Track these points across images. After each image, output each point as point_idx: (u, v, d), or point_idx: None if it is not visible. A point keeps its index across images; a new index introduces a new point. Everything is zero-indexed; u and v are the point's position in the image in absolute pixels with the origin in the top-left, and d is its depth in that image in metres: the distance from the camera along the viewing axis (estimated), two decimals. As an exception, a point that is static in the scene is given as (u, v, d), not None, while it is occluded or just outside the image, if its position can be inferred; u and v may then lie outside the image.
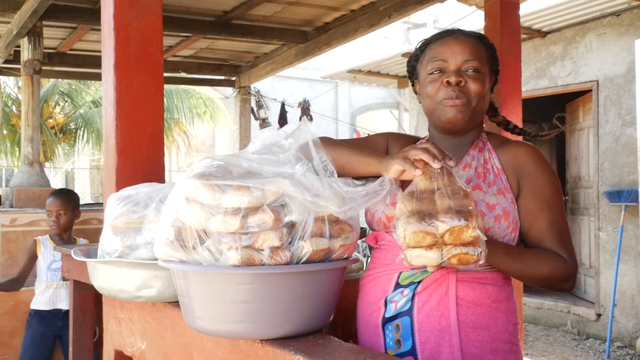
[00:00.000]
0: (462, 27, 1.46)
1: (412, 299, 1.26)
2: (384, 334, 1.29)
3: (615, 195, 5.25)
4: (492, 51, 1.38)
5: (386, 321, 1.29)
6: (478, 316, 1.25)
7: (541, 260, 1.25)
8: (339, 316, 1.36)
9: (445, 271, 1.25)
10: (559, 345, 5.51)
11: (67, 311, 3.14)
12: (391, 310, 1.29)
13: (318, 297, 1.19)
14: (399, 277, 1.30)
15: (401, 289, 1.28)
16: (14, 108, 10.51)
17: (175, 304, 1.45)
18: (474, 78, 1.30)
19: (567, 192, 6.52)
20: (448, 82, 1.30)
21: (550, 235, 1.29)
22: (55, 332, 3.29)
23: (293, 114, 8.23)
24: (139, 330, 1.68)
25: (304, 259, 1.14)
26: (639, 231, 5.13)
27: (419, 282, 1.27)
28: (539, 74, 6.09)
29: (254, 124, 7.45)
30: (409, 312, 1.26)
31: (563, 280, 1.26)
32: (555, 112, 6.57)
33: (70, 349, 2.59)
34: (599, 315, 5.57)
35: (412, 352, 1.25)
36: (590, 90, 5.70)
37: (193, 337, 1.37)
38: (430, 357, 1.23)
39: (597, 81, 5.55)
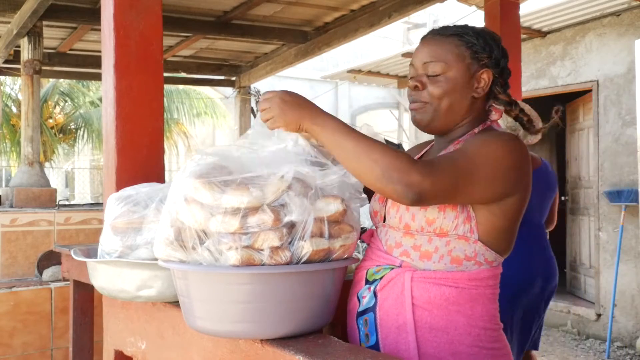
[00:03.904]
0: (458, 23, 1.44)
1: (375, 295, 1.28)
2: (358, 327, 1.32)
3: (615, 195, 5.25)
4: (474, 46, 1.34)
5: (358, 315, 1.32)
6: (434, 318, 1.24)
7: (377, 146, 1.15)
8: (339, 316, 1.36)
9: (401, 270, 1.26)
10: (559, 345, 5.51)
11: None
12: (362, 305, 1.31)
13: (318, 297, 1.19)
14: (367, 273, 1.33)
15: (368, 285, 1.31)
16: (13, 108, 10.51)
17: (175, 304, 1.45)
18: (433, 81, 1.33)
19: (567, 192, 6.52)
20: (409, 87, 1.38)
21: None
22: None
23: (293, 114, 8.21)
24: (139, 330, 1.68)
25: (304, 259, 1.14)
26: (639, 231, 5.13)
27: (380, 279, 1.29)
28: (539, 74, 6.09)
29: (254, 124, 7.43)
30: (373, 308, 1.29)
31: (400, 170, 1.11)
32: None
33: (70, 348, 2.59)
34: (599, 315, 5.56)
35: (376, 347, 1.28)
36: (590, 90, 5.70)
37: (193, 337, 1.37)
38: (389, 352, 1.25)
39: (597, 81, 5.55)
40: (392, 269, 1.28)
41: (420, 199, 1.13)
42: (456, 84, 1.33)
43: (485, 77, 1.35)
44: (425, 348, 1.23)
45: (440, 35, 1.35)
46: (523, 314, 2.63)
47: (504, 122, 2.57)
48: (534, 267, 2.64)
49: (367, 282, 1.32)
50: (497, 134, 1.29)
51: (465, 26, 1.38)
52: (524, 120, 1.45)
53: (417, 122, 1.38)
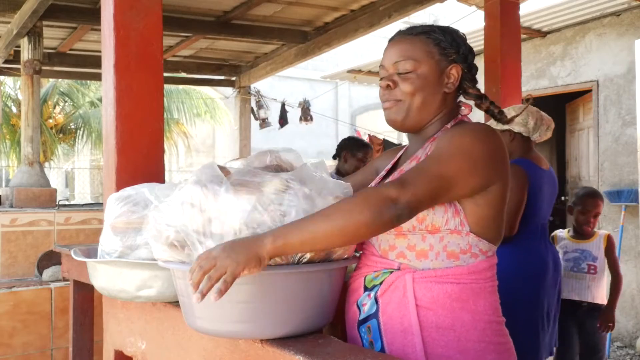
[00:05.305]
0: (434, 24, 1.46)
1: (376, 301, 1.27)
2: (360, 335, 1.31)
3: (615, 195, 5.25)
4: (442, 42, 1.36)
5: (360, 323, 1.31)
6: (439, 317, 1.23)
7: (344, 205, 1.12)
8: (339, 316, 1.36)
9: (400, 272, 1.25)
10: (559, 345, 5.51)
11: (579, 302, 3.36)
12: (363, 313, 1.30)
13: (318, 297, 1.19)
14: (365, 280, 1.32)
15: (368, 292, 1.30)
16: (13, 108, 10.51)
17: (175, 304, 1.45)
18: (404, 79, 1.34)
19: (567, 192, 6.52)
20: (381, 87, 1.39)
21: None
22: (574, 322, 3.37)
23: (293, 114, 8.23)
24: (139, 330, 1.68)
25: (304, 259, 1.14)
26: (639, 231, 5.12)
27: (380, 285, 1.27)
28: (539, 74, 6.09)
29: (254, 124, 7.45)
30: (375, 315, 1.27)
31: (380, 199, 1.10)
32: (555, 112, 6.58)
33: (70, 349, 2.59)
34: (599, 315, 5.56)
35: (382, 353, 1.26)
36: (590, 91, 5.70)
37: (193, 337, 1.37)
38: (397, 357, 1.23)
39: (597, 81, 5.55)
40: (391, 272, 1.27)
41: (410, 210, 1.13)
42: (427, 80, 1.34)
43: (455, 72, 1.37)
44: (433, 348, 1.23)
45: (409, 34, 1.38)
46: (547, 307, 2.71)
47: (523, 119, 2.64)
48: (547, 259, 2.75)
49: (365, 289, 1.30)
50: (466, 126, 1.30)
51: (431, 25, 1.41)
52: (495, 112, 1.47)
53: (391, 121, 1.39)
